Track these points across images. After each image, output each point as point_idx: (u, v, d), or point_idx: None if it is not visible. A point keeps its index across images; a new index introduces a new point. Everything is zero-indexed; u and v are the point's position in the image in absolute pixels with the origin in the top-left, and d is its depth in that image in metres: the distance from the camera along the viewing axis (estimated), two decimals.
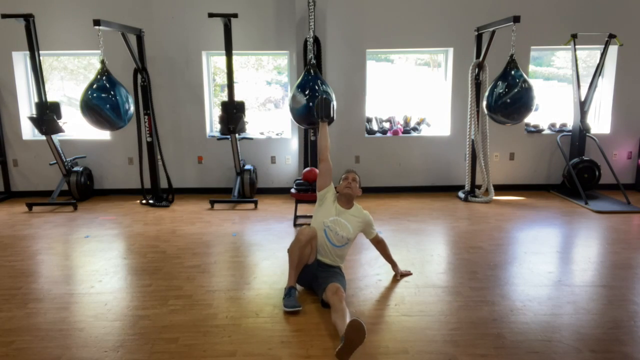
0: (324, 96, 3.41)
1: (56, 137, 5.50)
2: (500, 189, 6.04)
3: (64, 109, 5.56)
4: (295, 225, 4.75)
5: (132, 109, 5.07)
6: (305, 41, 5.24)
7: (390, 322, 2.76)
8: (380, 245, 3.41)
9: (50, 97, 5.61)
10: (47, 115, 5.27)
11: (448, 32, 5.90)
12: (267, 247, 4.09)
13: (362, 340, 2.32)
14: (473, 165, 5.79)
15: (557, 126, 6.35)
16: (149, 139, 5.60)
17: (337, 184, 3.28)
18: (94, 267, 3.67)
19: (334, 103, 3.34)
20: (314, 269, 3.08)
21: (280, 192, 6.18)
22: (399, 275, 3.41)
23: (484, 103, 5.11)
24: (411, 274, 3.45)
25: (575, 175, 5.65)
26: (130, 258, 3.90)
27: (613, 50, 5.87)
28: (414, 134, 6.29)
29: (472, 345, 2.49)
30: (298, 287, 3.10)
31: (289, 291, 2.94)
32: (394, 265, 3.45)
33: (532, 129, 6.24)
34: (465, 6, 5.81)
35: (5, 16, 4.98)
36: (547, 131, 6.31)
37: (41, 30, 5.35)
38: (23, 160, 6.15)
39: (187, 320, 2.80)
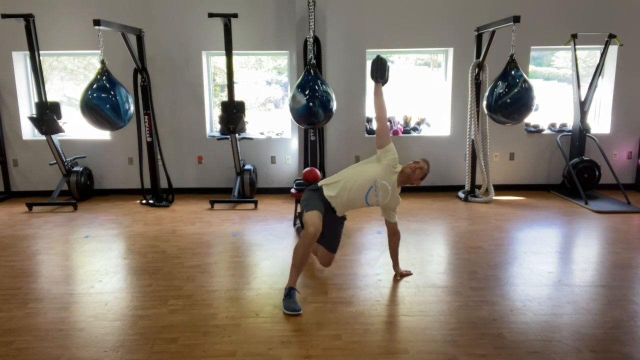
0: (380, 56, 3.34)
1: (56, 137, 5.50)
2: (500, 189, 6.04)
3: (64, 109, 5.56)
4: (295, 225, 4.75)
5: (132, 109, 5.07)
6: (305, 41, 5.24)
7: (390, 322, 2.76)
8: (394, 237, 3.40)
9: (50, 97, 5.62)
10: (47, 115, 5.27)
11: (448, 32, 5.90)
12: (267, 247, 4.09)
13: None
14: (473, 165, 5.79)
15: (557, 126, 6.35)
16: (149, 139, 5.60)
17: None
18: (94, 267, 3.67)
19: (389, 64, 3.35)
20: (326, 219, 3.12)
21: (280, 192, 6.18)
22: (399, 275, 3.41)
23: (484, 103, 5.11)
24: (411, 274, 3.45)
25: (575, 175, 5.65)
26: (130, 258, 3.90)
27: (613, 50, 5.87)
28: (414, 134, 6.29)
29: (472, 345, 2.49)
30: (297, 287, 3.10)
31: (289, 292, 2.94)
32: (395, 263, 3.43)
33: (532, 129, 6.24)
34: (465, 6, 5.81)
35: (5, 16, 4.98)
36: (547, 131, 6.31)
37: (41, 30, 5.35)
38: (23, 160, 6.15)
39: (187, 320, 2.80)
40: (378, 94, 3.29)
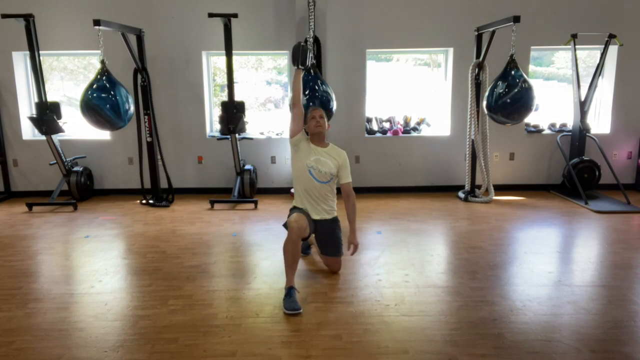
0: (302, 43, 3.38)
1: (56, 137, 5.50)
2: (500, 189, 6.04)
3: (64, 109, 5.56)
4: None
5: (132, 109, 5.07)
6: (306, 41, 5.24)
7: (390, 322, 2.76)
8: (349, 199, 3.34)
9: (50, 97, 5.61)
10: (47, 115, 5.27)
11: (448, 32, 5.90)
12: (267, 247, 4.09)
13: None
14: (473, 165, 5.79)
15: (557, 126, 6.35)
16: (149, 139, 5.60)
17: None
18: (94, 267, 3.67)
19: (311, 54, 3.43)
20: (317, 229, 3.35)
21: (280, 192, 6.18)
22: (351, 246, 3.34)
23: (484, 103, 5.11)
24: (356, 246, 3.36)
25: (575, 175, 5.65)
26: (130, 258, 3.90)
27: (613, 50, 5.87)
28: (414, 134, 6.29)
29: (472, 345, 2.49)
30: (296, 286, 3.10)
31: (289, 291, 2.95)
32: (352, 231, 3.34)
33: (532, 129, 6.24)
34: (465, 6, 5.81)
35: (5, 16, 4.98)
36: (547, 131, 6.31)
37: (41, 30, 5.35)
38: (23, 160, 6.15)
39: (187, 320, 2.80)
40: (298, 79, 3.36)
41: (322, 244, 3.44)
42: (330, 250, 3.43)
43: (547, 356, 2.40)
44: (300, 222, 3.07)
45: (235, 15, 5.12)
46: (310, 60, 3.40)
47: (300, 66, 3.36)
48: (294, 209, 3.37)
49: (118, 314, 2.90)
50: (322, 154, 3.32)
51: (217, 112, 6.16)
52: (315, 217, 3.33)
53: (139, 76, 5.42)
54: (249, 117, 5.94)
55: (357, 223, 4.72)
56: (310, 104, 4.72)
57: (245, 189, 5.77)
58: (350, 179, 3.38)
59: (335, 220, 3.43)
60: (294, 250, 3.00)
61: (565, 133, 6.10)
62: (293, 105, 3.37)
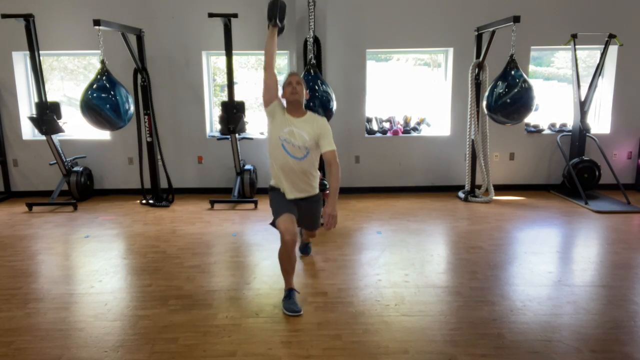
0: (279, 0, 3.03)
1: (56, 137, 5.50)
2: (500, 189, 6.04)
3: (64, 109, 5.56)
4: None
5: (132, 109, 5.07)
6: (305, 41, 5.24)
7: (390, 322, 2.76)
8: (330, 169, 2.91)
9: (50, 97, 5.61)
10: (47, 115, 5.27)
11: (448, 32, 5.90)
12: (267, 247, 4.09)
13: None
14: (473, 165, 5.79)
15: (557, 126, 6.35)
16: (149, 139, 5.60)
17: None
18: (94, 267, 3.67)
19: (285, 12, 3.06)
20: (299, 209, 3.04)
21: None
22: (326, 217, 2.86)
23: (484, 103, 5.11)
24: (332, 216, 2.86)
25: (575, 175, 5.65)
26: (130, 258, 3.90)
27: (613, 50, 5.87)
28: (414, 134, 6.29)
29: (472, 345, 2.49)
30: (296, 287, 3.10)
31: (289, 293, 2.95)
32: (330, 202, 2.87)
33: (532, 129, 6.24)
34: (465, 6, 5.81)
35: (5, 16, 4.98)
36: (547, 131, 6.31)
37: (41, 30, 5.35)
38: (23, 160, 6.15)
39: (187, 320, 2.80)
40: (272, 39, 2.99)
41: (300, 219, 3.11)
42: (308, 225, 3.30)
43: (547, 356, 2.40)
44: (291, 232, 2.83)
45: (235, 15, 5.12)
46: (284, 18, 3.06)
47: (277, 22, 3.01)
48: (278, 198, 3.03)
49: (118, 314, 2.90)
50: (297, 124, 2.91)
51: (217, 112, 6.16)
52: (292, 196, 3.01)
53: (139, 76, 5.42)
54: (249, 117, 5.93)
55: (358, 223, 4.77)
56: (310, 103, 4.72)
57: (245, 189, 5.77)
58: (332, 146, 2.93)
59: (317, 201, 3.16)
60: (289, 260, 2.92)
61: (565, 133, 6.10)
62: (265, 69, 2.98)
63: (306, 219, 3.20)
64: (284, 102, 3.02)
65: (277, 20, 3.02)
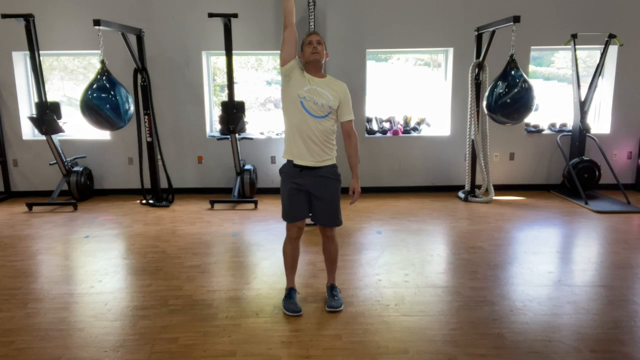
0: None
1: (56, 137, 5.50)
2: (500, 189, 6.04)
3: (64, 109, 5.55)
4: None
5: (132, 109, 5.07)
6: None
7: (390, 322, 2.76)
8: (350, 140, 2.82)
9: (50, 97, 5.61)
10: (47, 115, 5.27)
11: (448, 32, 5.90)
12: (267, 247, 4.09)
13: None
14: (473, 165, 5.79)
15: (557, 126, 6.35)
16: (149, 139, 5.60)
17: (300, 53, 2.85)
18: (94, 267, 3.67)
19: None
20: (312, 191, 2.78)
21: (280, 192, 6.17)
22: (352, 192, 2.84)
23: (484, 103, 5.11)
24: (358, 192, 2.85)
25: (575, 175, 5.65)
26: (130, 258, 3.90)
27: (613, 50, 5.87)
28: (414, 134, 6.29)
29: (472, 345, 2.49)
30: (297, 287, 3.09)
31: (289, 292, 2.95)
32: (354, 176, 2.84)
33: (532, 129, 6.24)
34: (465, 6, 5.81)
35: (5, 16, 4.98)
36: (547, 131, 6.31)
37: (41, 30, 5.35)
38: (23, 160, 6.15)
39: (187, 320, 2.80)
40: None
41: (317, 210, 2.84)
42: (325, 217, 2.86)
43: (547, 356, 2.40)
44: (298, 225, 2.84)
45: (235, 15, 5.12)
46: None
47: None
48: (286, 187, 2.82)
49: (118, 314, 2.90)
50: (319, 83, 2.73)
51: (217, 112, 6.16)
52: (309, 162, 2.73)
53: (139, 76, 5.42)
54: (249, 117, 5.93)
55: (358, 223, 4.77)
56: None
57: (245, 189, 5.77)
58: (352, 116, 2.80)
59: (334, 177, 2.82)
60: (293, 252, 2.94)
61: (565, 133, 6.10)
62: (285, 25, 2.78)
63: (322, 204, 2.81)
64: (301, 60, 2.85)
65: None
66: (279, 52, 5.74)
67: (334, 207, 2.84)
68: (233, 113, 5.39)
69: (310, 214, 2.89)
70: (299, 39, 2.85)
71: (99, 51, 4.89)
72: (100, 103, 4.74)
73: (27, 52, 5.36)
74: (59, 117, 5.39)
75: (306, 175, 2.76)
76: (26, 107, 6.12)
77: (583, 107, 5.70)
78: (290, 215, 2.85)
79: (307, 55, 2.75)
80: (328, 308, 2.90)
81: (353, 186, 2.84)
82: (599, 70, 5.66)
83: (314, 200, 2.81)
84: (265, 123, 6.46)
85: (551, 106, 6.53)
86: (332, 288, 3.02)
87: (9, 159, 6.13)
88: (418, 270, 3.54)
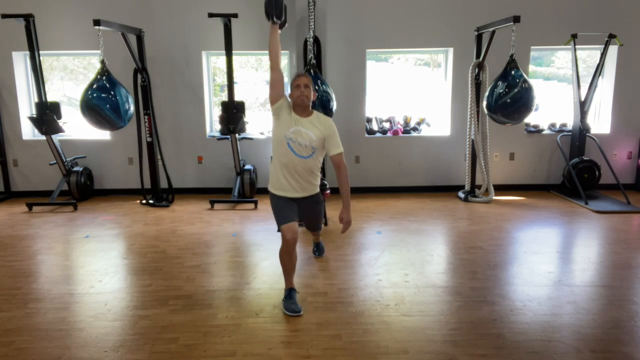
0: None
1: (56, 137, 5.50)
2: (500, 189, 6.04)
3: (64, 109, 5.56)
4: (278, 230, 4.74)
5: (132, 109, 5.07)
6: (305, 41, 5.23)
7: (390, 322, 2.76)
8: (340, 171, 3.00)
9: (50, 97, 5.61)
10: (47, 115, 5.27)
11: (448, 32, 5.90)
12: (267, 247, 4.09)
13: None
14: (473, 165, 5.79)
15: (557, 126, 6.35)
16: (149, 139, 5.60)
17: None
18: (94, 267, 3.67)
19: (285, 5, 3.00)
20: (300, 209, 3.05)
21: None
22: (341, 222, 3.03)
23: (484, 103, 5.11)
24: (348, 222, 3.03)
25: (575, 175, 5.65)
26: (130, 258, 3.90)
27: (613, 50, 5.87)
28: (414, 134, 6.29)
29: (472, 345, 2.49)
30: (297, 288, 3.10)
31: (289, 293, 2.95)
32: (345, 207, 3.01)
33: (532, 129, 6.24)
34: (465, 6, 5.81)
35: (5, 16, 4.98)
36: (547, 131, 6.31)
37: (41, 30, 5.34)
38: (23, 160, 6.15)
39: (187, 320, 2.80)
40: (274, 36, 2.96)
41: (302, 217, 3.17)
42: (311, 227, 3.50)
43: (547, 356, 2.40)
44: (293, 231, 2.87)
45: (235, 15, 5.12)
46: (286, 13, 3.02)
47: (275, 20, 2.97)
48: (280, 203, 3.01)
49: (118, 314, 2.89)
50: (304, 124, 2.91)
51: (217, 112, 6.16)
52: (295, 194, 3.01)
53: (139, 76, 5.42)
54: (249, 117, 5.93)
55: (358, 223, 4.76)
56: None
57: (245, 189, 5.77)
58: (340, 149, 2.97)
59: (318, 201, 3.21)
60: (290, 259, 2.94)
61: (565, 133, 6.10)
62: (271, 68, 2.96)
63: (308, 219, 3.35)
64: (290, 99, 3.01)
65: (275, 17, 2.97)
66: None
67: (318, 219, 3.44)
68: (233, 113, 5.39)
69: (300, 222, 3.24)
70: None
71: (99, 51, 4.89)
72: (100, 103, 4.74)
73: (27, 52, 5.37)
74: (59, 117, 5.39)
75: (294, 200, 3.08)
76: (26, 107, 6.11)
77: (583, 107, 5.70)
78: (283, 216, 2.96)
79: (294, 97, 2.93)
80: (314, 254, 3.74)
81: (341, 216, 3.04)
82: (599, 70, 5.66)
83: (301, 212, 3.11)
84: (265, 123, 6.46)
85: (551, 106, 6.53)
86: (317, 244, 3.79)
87: (9, 159, 6.13)
88: (418, 270, 3.54)
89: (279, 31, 3.04)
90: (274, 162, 3.04)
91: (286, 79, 6.20)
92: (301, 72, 3.11)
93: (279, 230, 2.98)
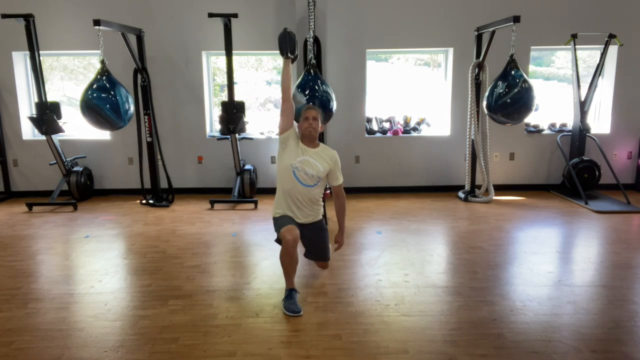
0: (287, 29, 3.14)
1: (56, 137, 5.50)
2: (500, 189, 6.04)
3: (64, 109, 5.56)
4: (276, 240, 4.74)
5: (132, 109, 5.07)
6: (305, 41, 5.23)
7: (390, 322, 2.76)
8: (338, 200, 3.25)
9: (50, 97, 5.61)
10: (47, 115, 5.27)
11: (448, 32, 5.90)
12: (267, 247, 4.09)
13: None
14: (473, 165, 5.79)
15: (557, 126, 6.35)
16: (149, 139, 5.60)
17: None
18: (94, 267, 3.67)
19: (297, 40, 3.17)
20: (303, 235, 3.13)
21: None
22: (337, 245, 3.33)
23: (484, 103, 5.11)
24: (341, 244, 3.34)
25: (575, 175, 5.65)
26: (130, 258, 3.90)
27: (613, 50, 5.87)
28: (414, 134, 6.29)
29: (472, 345, 2.49)
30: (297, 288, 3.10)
31: (289, 293, 2.95)
32: (340, 231, 3.31)
33: (532, 129, 6.24)
34: (465, 6, 5.81)
35: (5, 16, 4.98)
36: (547, 131, 6.31)
37: (41, 30, 5.35)
38: (23, 160, 6.15)
39: (187, 320, 2.80)
40: (287, 70, 3.11)
41: (308, 249, 3.34)
42: (318, 257, 3.38)
43: (547, 356, 2.40)
44: (293, 233, 2.93)
45: (235, 15, 5.12)
46: (297, 48, 3.18)
47: (289, 55, 3.11)
48: (283, 218, 3.12)
49: (118, 314, 2.89)
50: (312, 154, 3.08)
51: (217, 112, 6.16)
52: (299, 221, 3.14)
53: (139, 76, 5.42)
54: (249, 117, 5.93)
55: (358, 223, 4.77)
56: (310, 103, 4.71)
57: (245, 189, 5.77)
58: (341, 180, 3.22)
59: (322, 228, 3.29)
60: (291, 261, 2.94)
61: (565, 133, 6.10)
62: (282, 100, 3.11)
63: (314, 248, 3.32)
64: (298, 130, 3.16)
65: (289, 53, 3.12)
66: (278, 52, 5.75)
67: (324, 245, 3.32)
68: (233, 113, 5.39)
69: (304, 252, 3.34)
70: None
71: (99, 51, 4.89)
72: (100, 103, 4.74)
73: (27, 52, 5.36)
74: (59, 117, 5.39)
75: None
76: (26, 107, 6.12)
77: (583, 107, 5.70)
78: (283, 224, 3.03)
79: (303, 129, 3.08)
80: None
81: (337, 239, 3.32)
82: (599, 70, 5.66)
83: (305, 238, 3.20)
84: (265, 123, 6.46)
85: (551, 106, 6.53)
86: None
87: (9, 159, 6.13)
88: (418, 270, 3.54)
89: (291, 65, 3.17)
90: (278, 191, 3.17)
91: None
92: (311, 106, 3.27)
93: (276, 240, 3.10)
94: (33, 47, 5.15)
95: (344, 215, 3.30)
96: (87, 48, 5.84)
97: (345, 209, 3.29)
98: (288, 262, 2.95)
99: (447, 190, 6.17)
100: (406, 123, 6.41)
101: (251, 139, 6.06)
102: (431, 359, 2.39)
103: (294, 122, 3.19)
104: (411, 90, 6.72)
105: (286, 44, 3.11)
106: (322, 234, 3.30)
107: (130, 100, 5.04)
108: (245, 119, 5.60)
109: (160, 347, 2.52)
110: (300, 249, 3.64)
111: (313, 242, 3.29)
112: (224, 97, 5.98)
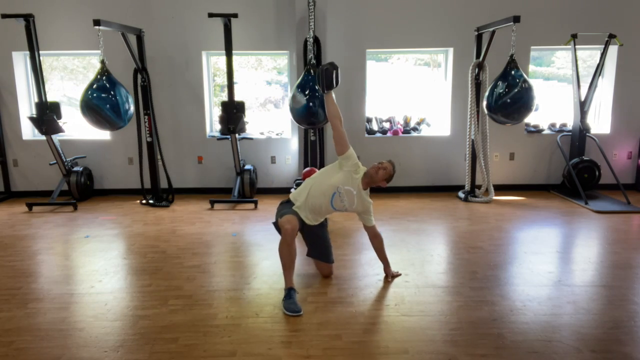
0: (325, 67, 3.18)
1: (56, 137, 5.50)
2: (500, 189, 6.04)
3: (64, 109, 5.55)
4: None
5: (132, 109, 5.07)
6: (305, 41, 5.24)
7: (390, 322, 2.76)
8: (376, 240, 3.36)
9: (50, 97, 5.61)
10: (47, 115, 5.27)
11: (448, 32, 5.90)
12: (267, 247, 4.09)
13: None
14: (473, 165, 5.79)
15: (557, 126, 6.35)
16: (149, 139, 5.60)
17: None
18: (94, 267, 3.67)
19: (338, 71, 3.21)
20: (305, 233, 3.29)
21: (280, 192, 6.18)
22: (390, 277, 3.36)
23: (484, 103, 5.11)
24: (400, 274, 3.43)
25: (575, 175, 5.65)
26: (130, 258, 3.90)
27: (613, 50, 5.87)
28: (414, 134, 6.29)
29: (472, 345, 2.49)
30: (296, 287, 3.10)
31: (288, 292, 2.95)
32: (386, 265, 3.40)
33: (532, 129, 6.24)
34: (465, 6, 5.81)
35: (5, 16, 4.98)
36: (547, 131, 6.31)
37: (41, 30, 5.35)
38: (23, 160, 6.15)
39: (187, 320, 2.80)
40: (330, 103, 3.22)
41: (311, 246, 3.38)
42: (321, 255, 3.35)
43: (547, 356, 2.40)
44: (292, 223, 2.99)
45: (235, 15, 5.12)
46: (337, 79, 3.24)
47: (325, 90, 3.21)
48: (288, 209, 3.18)
49: (118, 314, 2.89)
50: (359, 193, 3.18)
51: (217, 112, 6.16)
52: (307, 221, 3.23)
53: (139, 76, 5.42)
54: (249, 117, 5.93)
55: (358, 223, 4.73)
56: (310, 103, 4.72)
57: (245, 189, 5.77)
58: (374, 222, 3.33)
59: (323, 225, 3.37)
60: (289, 252, 2.97)
61: (565, 133, 6.10)
62: (334, 128, 3.24)
63: (317, 245, 3.35)
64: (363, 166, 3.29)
65: (326, 89, 3.20)
66: (279, 52, 5.74)
67: (326, 244, 3.37)
68: (233, 113, 5.39)
69: (307, 251, 3.39)
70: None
71: (99, 51, 4.89)
72: (100, 103, 4.74)
73: (27, 52, 5.36)
74: (59, 117, 5.39)
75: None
76: (26, 107, 6.12)
77: (583, 107, 5.70)
78: (284, 213, 3.11)
79: (372, 171, 3.18)
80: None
81: (386, 272, 3.39)
82: (599, 70, 5.66)
83: (307, 237, 3.33)
84: (265, 123, 6.46)
85: (551, 106, 6.53)
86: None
87: (9, 159, 6.13)
88: (418, 270, 3.54)
89: (333, 95, 3.22)
90: (306, 190, 3.20)
91: (286, 79, 6.23)
92: (391, 161, 3.34)
93: (274, 223, 3.21)
94: (33, 47, 5.15)
95: (384, 251, 3.39)
96: (87, 48, 5.84)
97: (384, 247, 3.39)
98: (287, 254, 2.97)
99: (447, 190, 6.17)
100: (406, 123, 6.41)
101: (251, 139, 6.06)
102: (431, 359, 2.39)
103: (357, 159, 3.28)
104: (411, 90, 6.72)
105: (322, 83, 3.18)
106: (323, 229, 3.38)
107: (130, 100, 5.04)
108: (245, 119, 5.60)
109: (160, 347, 2.52)
110: (302, 249, 3.65)
111: (315, 239, 3.34)
112: (224, 97, 5.98)
